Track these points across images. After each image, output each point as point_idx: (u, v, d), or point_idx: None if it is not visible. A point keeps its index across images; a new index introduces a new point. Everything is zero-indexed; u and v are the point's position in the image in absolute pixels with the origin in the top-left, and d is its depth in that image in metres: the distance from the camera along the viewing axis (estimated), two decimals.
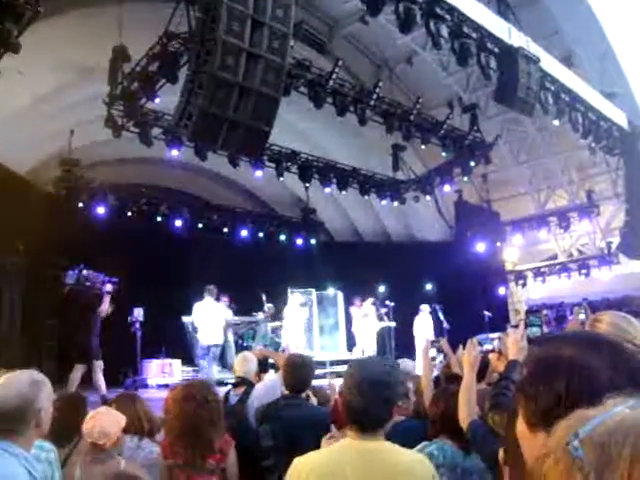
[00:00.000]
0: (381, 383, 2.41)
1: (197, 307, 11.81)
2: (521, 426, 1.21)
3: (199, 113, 6.75)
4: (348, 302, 16.50)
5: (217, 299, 12.23)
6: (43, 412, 2.42)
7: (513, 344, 2.77)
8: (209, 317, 11.65)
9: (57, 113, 12.49)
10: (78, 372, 9.39)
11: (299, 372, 4.34)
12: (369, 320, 14.66)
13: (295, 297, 13.98)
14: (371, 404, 2.36)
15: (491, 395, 2.64)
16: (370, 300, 14.88)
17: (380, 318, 14.87)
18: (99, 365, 9.65)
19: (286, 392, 4.36)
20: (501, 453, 1.91)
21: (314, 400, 4.64)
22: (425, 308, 14.87)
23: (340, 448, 2.43)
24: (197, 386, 4.00)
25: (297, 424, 3.94)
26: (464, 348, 3.14)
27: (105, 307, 9.91)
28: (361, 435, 2.38)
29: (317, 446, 3.05)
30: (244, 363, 5.28)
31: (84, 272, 9.73)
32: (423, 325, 14.59)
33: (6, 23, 6.58)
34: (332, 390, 4.85)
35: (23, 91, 11.44)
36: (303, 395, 4.31)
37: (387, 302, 15.37)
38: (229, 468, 3.78)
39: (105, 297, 9.84)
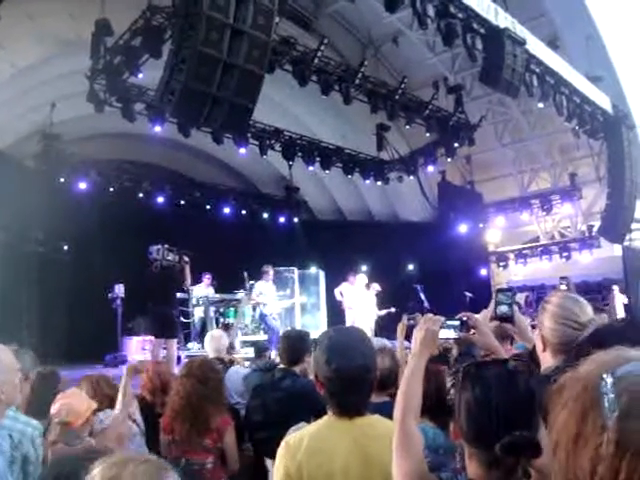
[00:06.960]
0: (360, 368, 2.26)
1: None
2: None
3: (182, 89, 6.67)
4: (330, 280, 16.47)
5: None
6: (1, 384, 2.39)
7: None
8: None
9: (38, 86, 12.30)
10: (174, 346, 9.37)
11: (293, 345, 4.33)
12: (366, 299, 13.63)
13: (360, 277, 13.60)
14: (353, 394, 2.26)
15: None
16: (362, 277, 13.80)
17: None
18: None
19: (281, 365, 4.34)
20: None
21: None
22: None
23: (328, 426, 2.30)
24: (198, 363, 4.02)
25: (290, 396, 3.92)
26: None
27: (189, 279, 10.07)
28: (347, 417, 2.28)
29: (309, 419, 3.03)
30: (213, 342, 5.31)
31: (166, 246, 9.61)
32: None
33: None
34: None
35: (3, 64, 11.25)
36: (297, 369, 4.24)
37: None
38: (227, 448, 3.79)
39: (186, 269, 9.84)
